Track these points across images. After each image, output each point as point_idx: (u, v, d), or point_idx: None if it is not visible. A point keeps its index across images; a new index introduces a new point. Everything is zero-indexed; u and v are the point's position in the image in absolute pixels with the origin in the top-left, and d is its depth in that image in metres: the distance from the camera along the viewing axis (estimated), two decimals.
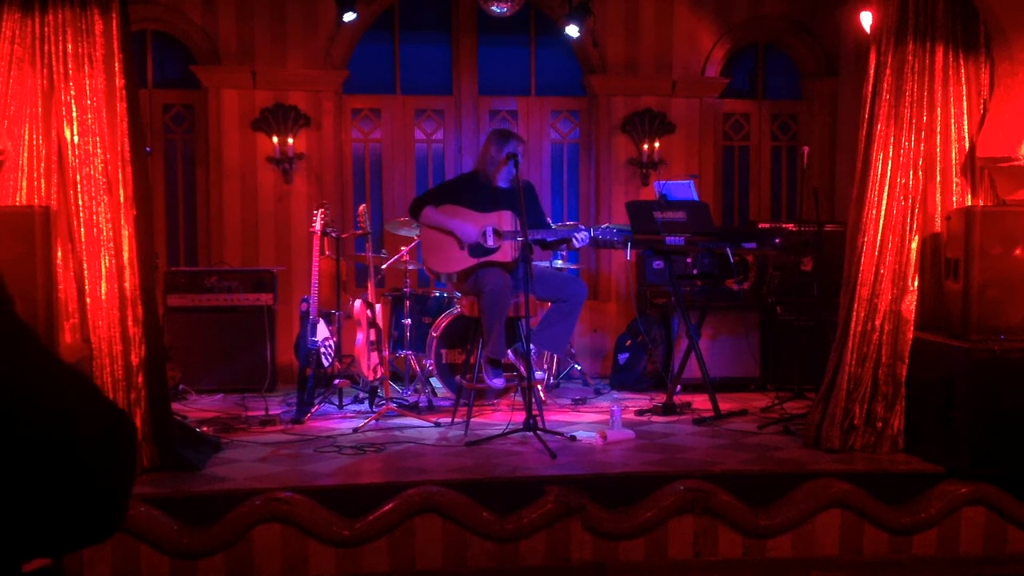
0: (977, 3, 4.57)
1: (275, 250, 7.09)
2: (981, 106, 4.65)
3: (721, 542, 4.12)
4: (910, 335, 4.55)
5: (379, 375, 5.64)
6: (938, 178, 4.62)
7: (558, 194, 7.70)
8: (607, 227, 5.29)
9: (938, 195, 4.63)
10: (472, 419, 5.14)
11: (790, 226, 6.34)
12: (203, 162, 7.16)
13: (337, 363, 5.78)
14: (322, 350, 5.62)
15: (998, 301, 4.33)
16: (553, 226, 5.48)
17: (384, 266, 6.19)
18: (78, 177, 4.17)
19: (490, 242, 5.12)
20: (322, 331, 5.63)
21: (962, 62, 4.59)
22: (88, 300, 4.17)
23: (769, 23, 7.63)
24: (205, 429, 4.99)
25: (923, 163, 4.59)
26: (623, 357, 6.61)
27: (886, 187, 4.56)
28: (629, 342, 6.60)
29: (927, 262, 4.66)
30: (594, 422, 5.34)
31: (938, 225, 4.63)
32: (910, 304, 4.55)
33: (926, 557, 4.21)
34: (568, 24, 6.69)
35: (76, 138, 4.16)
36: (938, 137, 4.59)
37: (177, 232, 7.29)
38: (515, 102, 7.60)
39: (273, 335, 6.46)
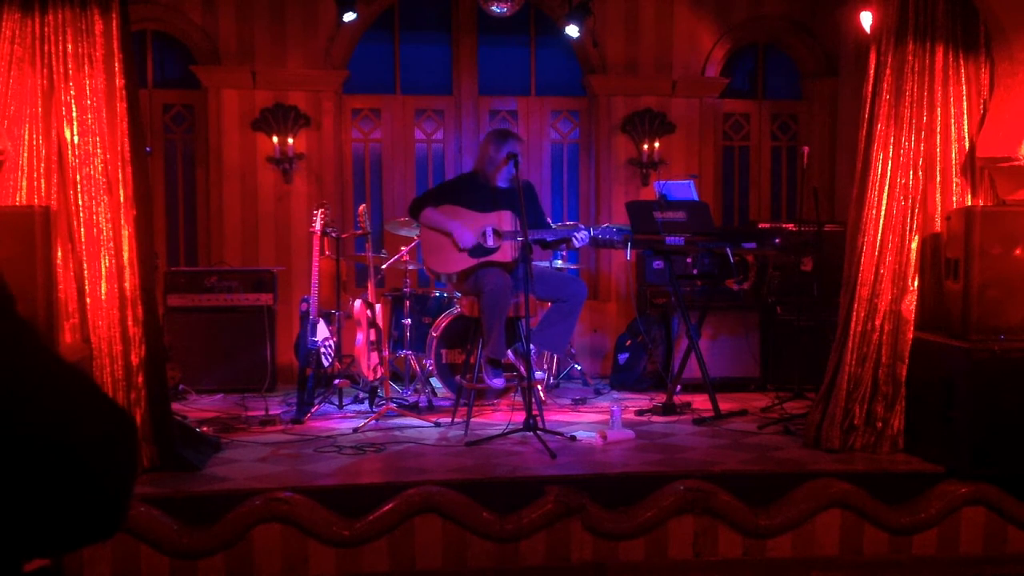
0: (977, 3, 4.57)
1: (275, 250, 7.09)
2: (981, 106, 4.65)
3: (721, 542, 4.12)
4: (910, 335, 4.55)
5: (379, 375, 5.64)
6: (938, 178, 4.62)
7: (558, 194, 7.70)
8: (607, 227, 5.29)
9: (938, 195, 4.63)
10: (472, 419, 5.14)
11: (790, 226, 6.34)
12: (203, 162, 7.16)
13: (337, 363, 5.78)
14: (322, 350, 5.62)
15: (998, 301, 4.33)
16: (553, 226, 5.48)
17: (384, 266, 6.19)
18: (78, 177, 4.17)
19: (490, 242, 5.12)
20: (322, 331, 5.63)
21: (962, 62, 4.60)
22: (88, 300, 4.18)
23: (769, 23, 7.63)
24: (205, 429, 4.99)
25: (923, 163, 4.59)
26: (623, 357, 6.61)
27: (886, 187, 4.56)
28: (629, 342, 6.60)
29: (927, 262, 4.66)
30: (594, 422, 5.34)
31: (938, 225, 4.63)
32: (910, 304, 4.55)
33: (926, 557, 4.21)
34: (568, 24, 6.69)
35: (76, 138, 4.16)
36: (938, 137, 4.59)
37: (177, 232, 7.29)
38: (515, 102, 7.60)
39: (273, 335, 6.46)
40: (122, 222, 4.22)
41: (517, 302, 5.07)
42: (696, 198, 6.35)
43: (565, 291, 5.18)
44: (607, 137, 7.42)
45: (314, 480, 4.15)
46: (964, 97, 4.61)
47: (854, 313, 4.59)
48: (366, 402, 5.75)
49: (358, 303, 5.77)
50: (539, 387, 5.37)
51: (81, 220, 4.17)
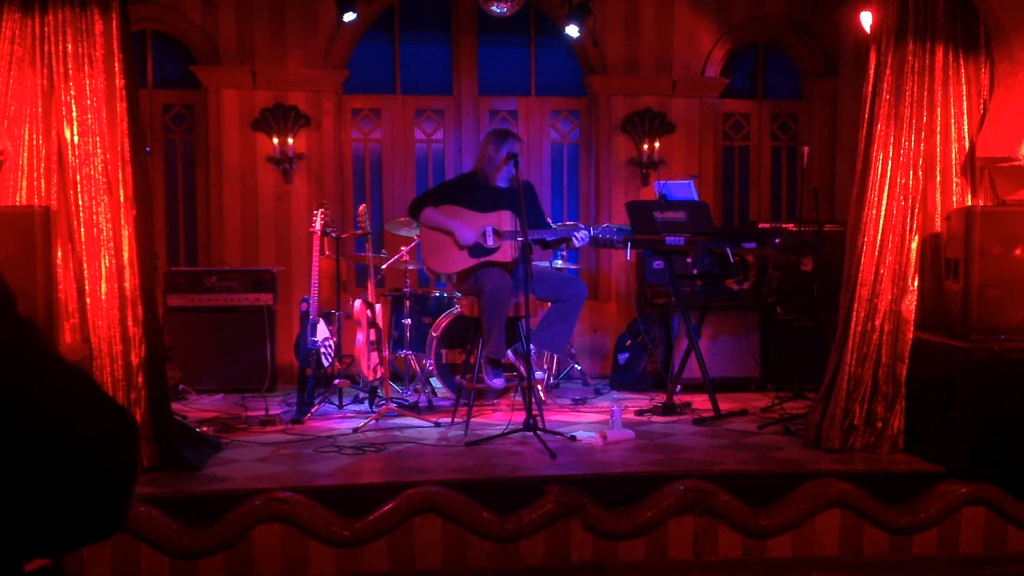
0: (977, 3, 4.57)
1: (275, 250, 7.08)
2: (981, 106, 4.65)
3: (721, 542, 4.12)
4: (910, 335, 4.55)
5: (379, 375, 5.64)
6: (938, 178, 4.62)
7: (558, 194, 7.70)
8: (607, 227, 5.29)
9: (938, 195, 4.63)
10: (472, 419, 5.14)
11: (790, 226, 6.34)
12: (203, 162, 7.16)
13: (337, 363, 5.78)
14: (322, 350, 5.62)
15: (998, 301, 4.34)
16: (553, 226, 5.48)
17: (384, 266, 6.19)
18: (78, 177, 4.17)
19: (490, 242, 5.12)
20: (322, 331, 5.63)
21: (962, 62, 4.60)
22: (88, 300, 4.17)
23: (769, 23, 7.63)
24: (205, 429, 4.99)
25: (923, 163, 4.59)
26: (623, 357, 6.61)
27: (886, 187, 4.56)
28: (629, 342, 6.60)
29: (927, 262, 4.66)
30: (594, 422, 5.34)
31: (938, 225, 4.63)
32: (910, 304, 4.56)
33: (926, 557, 4.21)
34: (568, 24, 6.69)
35: (76, 138, 4.16)
36: (938, 137, 4.59)
37: (177, 232, 7.29)
38: (515, 102, 7.60)
39: (273, 335, 6.46)
40: (122, 222, 4.22)
41: (517, 302, 5.07)
42: (696, 198, 6.35)
43: (565, 291, 5.18)
44: (607, 137, 7.42)
45: (314, 480, 4.15)
46: (964, 97, 4.61)
47: (854, 313, 4.59)
48: (366, 402, 5.75)
49: (358, 303, 5.77)
50: (539, 387, 5.37)
51: (81, 220, 4.17)
